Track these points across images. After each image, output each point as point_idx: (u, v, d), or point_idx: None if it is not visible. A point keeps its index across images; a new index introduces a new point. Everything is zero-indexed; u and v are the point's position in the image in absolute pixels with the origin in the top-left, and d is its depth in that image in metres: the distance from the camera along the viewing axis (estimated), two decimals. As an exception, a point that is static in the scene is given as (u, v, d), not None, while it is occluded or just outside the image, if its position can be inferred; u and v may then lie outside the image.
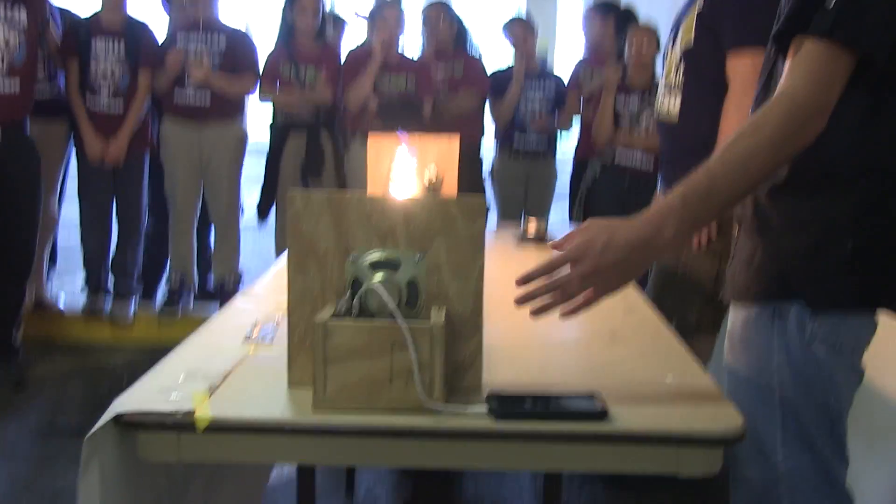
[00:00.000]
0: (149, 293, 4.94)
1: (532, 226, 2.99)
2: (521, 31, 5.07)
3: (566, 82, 5.24)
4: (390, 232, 1.41)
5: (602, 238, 1.36)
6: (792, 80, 1.38)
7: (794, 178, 1.48)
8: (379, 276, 1.39)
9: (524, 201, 5.05)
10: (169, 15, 4.72)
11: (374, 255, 1.41)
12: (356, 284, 1.39)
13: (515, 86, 4.95)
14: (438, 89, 4.73)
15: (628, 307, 2.06)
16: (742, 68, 2.63)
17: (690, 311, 2.91)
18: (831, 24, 1.34)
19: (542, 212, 5.02)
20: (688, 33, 2.86)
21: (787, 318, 1.50)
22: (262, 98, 4.61)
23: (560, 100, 5.15)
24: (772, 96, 1.42)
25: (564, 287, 1.37)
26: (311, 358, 1.33)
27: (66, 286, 5.36)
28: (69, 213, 4.78)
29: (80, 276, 4.84)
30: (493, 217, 5.22)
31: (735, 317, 1.62)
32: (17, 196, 3.88)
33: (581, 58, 5.36)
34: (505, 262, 2.62)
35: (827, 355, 1.48)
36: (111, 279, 4.69)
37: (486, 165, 5.15)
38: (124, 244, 4.63)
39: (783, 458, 1.54)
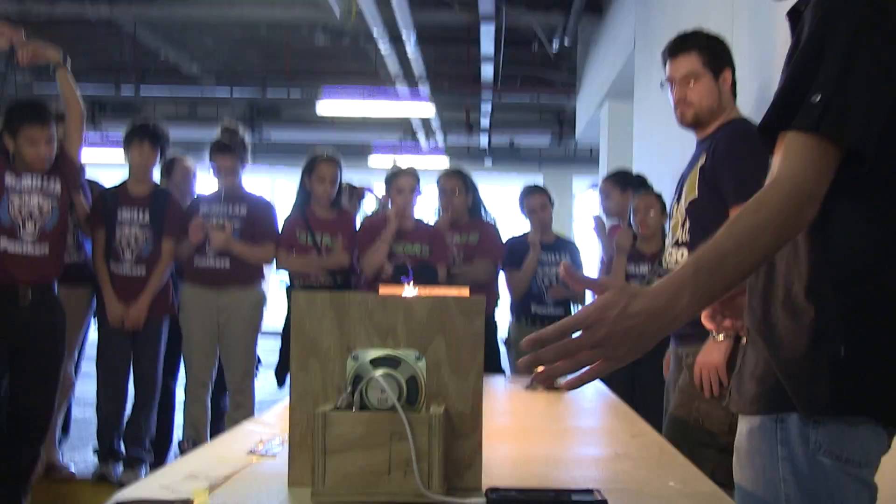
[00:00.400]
0: (160, 459, 4.90)
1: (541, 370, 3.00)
2: (537, 201, 5.22)
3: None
4: (391, 330, 1.45)
5: (619, 305, 1.29)
6: (788, 166, 1.38)
7: (793, 286, 1.49)
8: (380, 372, 1.41)
9: None
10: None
11: (375, 353, 1.44)
12: (357, 381, 1.42)
13: (532, 256, 5.05)
14: (453, 256, 4.84)
15: (635, 431, 2.06)
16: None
17: (705, 462, 2.87)
18: (817, 119, 1.36)
19: (557, 377, 5.00)
20: (691, 188, 2.98)
21: (789, 428, 1.47)
22: (279, 266, 4.72)
23: (580, 267, 5.26)
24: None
25: (575, 352, 1.29)
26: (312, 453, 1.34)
27: (76, 456, 5.32)
28: (80, 388, 4.80)
29: (89, 447, 4.81)
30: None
31: (741, 429, 1.60)
32: (41, 357, 3.95)
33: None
34: (514, 403, 2.62)
35: (833, 467, 1.43)
36: (122, 446, 4.67)
37: (500, 331, 5.18)
38: (138, 411, 4.64)
39: None
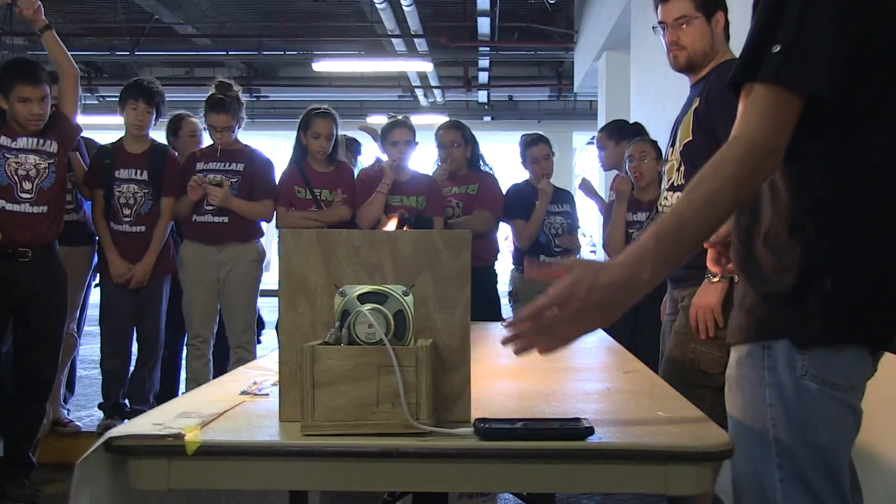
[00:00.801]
0: (165, 415, 4.94)
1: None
2: (540, 150, 5.21)
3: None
4: (378, 266, 1.46)
5: (586, 281, 1.40)
6: (746, 123, 1.42)
7: (775, 224, 1.52)
8: (367, 307, 1.42)
9: None
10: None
11: (363, 289, 1.45)
12: (345, 316, 1.43)
13: (542, 204, 5.03)
14: (452, 207, 4.83)
15: (627, 368, 2.08)
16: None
17: (701, 403, 2.89)
18: (776, 68, 1.40)
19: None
20: (686, 131, 2.97)
21: (776, 354, 1.50)
22: (279, 224, 4.71)
23: (576, 219, 5.26)
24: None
25: (551, 329, 1.41)
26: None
27: (82, 414, 5.38)
28: (84, 348, 4.82)
29: (95, 405, 4.85)
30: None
31: (731, 359, 1.63)
32: (43, 315, 3.97)
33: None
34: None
35: (819, 392, 1.47)
36: (127, 401, 4.71)
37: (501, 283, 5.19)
38: (142, 366, 4.67)
39: (782, 499, 1.50)
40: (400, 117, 4.81)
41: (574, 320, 1.40)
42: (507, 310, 5.32)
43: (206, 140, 4.94)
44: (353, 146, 5.46)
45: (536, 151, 5.23)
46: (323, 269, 1.46)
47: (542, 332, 1.41)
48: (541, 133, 5.52)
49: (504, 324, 1.44)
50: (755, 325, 1.55)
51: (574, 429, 1.34)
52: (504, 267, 5.31)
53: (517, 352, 1.43)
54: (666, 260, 1.42)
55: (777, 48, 1.40)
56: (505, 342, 1.42)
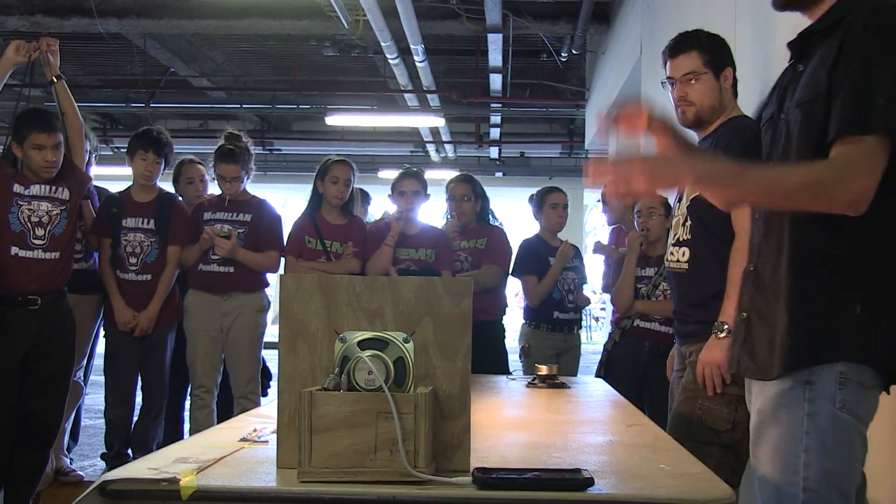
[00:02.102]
0: (168, 466, 4.89)
1: (543, 369, 3.00)
2: (559, 198, 5.23)
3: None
4: (379, 312, 1.45)
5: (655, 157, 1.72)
6: (857, 166, 1.58)
7: (809, 264, 1.70)
8: (367, 353, 1.42)
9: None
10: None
11: (363, 335, 1.44)
12: (345, 363, 1.42)
13: (558, 266, 5.03)
14: (460, 261, 4.82)
15: (631, 422, 2.05)
16: (747, 216, 2.71)
17: (708, 460, 2.86)
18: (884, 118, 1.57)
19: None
20: (692, 188, 2.97)
21: (817, 389, 1.66)
22: (288, 273, 4.70)
23: (584, 274, 5.26)
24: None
25: (631, 168, 1.63)
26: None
27: (85, 464, 5.34)
28: (89, 398, 4.79)
29: (98, 454, 4.82)
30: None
31: (767, 393, 1.75)
32: (51, 362, 3.96)
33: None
34: (515, 398, 2.62)
35: (850, 423, 1.65)
36: (130, 451, 4.68)
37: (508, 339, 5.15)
38: (146, 416, 4.64)
39: None
40: (411, 168, 4.82)
41: (650, 165, 1.63)
42: (515, 365, 5.28)
43: (211, 188, 4.97)
44: (364, 197, 5.47)
45: (555, 198, 5.24)
46: (324, 314, 1.45)
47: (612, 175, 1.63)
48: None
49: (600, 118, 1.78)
50: (790, 357, 1.69)
51: (574, 479, 1.32)
52: (512, 322, 5.29)
53: (593, 185, 1.76)
54: (710, 182, 1.68)
55: (881, 101, 1.57)
56: (588, 173, 1.66)
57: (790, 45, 1.84)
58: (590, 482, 1.31)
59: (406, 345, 1.44)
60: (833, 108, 1.64)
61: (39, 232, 3.92)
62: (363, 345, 1.43)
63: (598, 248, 5.41)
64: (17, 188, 3.92)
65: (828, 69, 1.66)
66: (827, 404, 1.65)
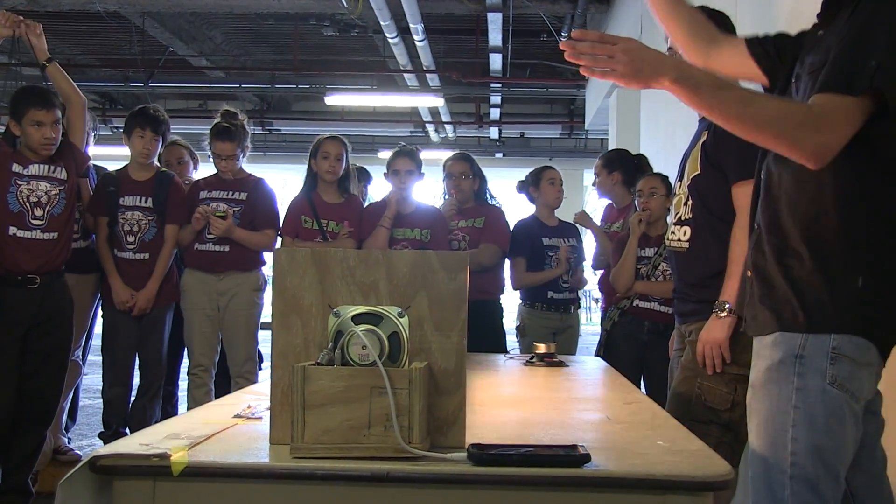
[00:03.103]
0: (166, 445, 4.89)
1: (541, 347, 2.99)
2: (555, 174, 5.20)
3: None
4: (373, 286, 1.43)
5: (637, 45, 1.72)
6: (833, 116, 1.58)
7: (814, 231, 1.68)
8: (361, 328, 1.40)
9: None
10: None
11: (357, 310, 1.42)
12: (339, 337, 1.40)
13: (551, 274, 5.00)
14: (458, 240, 4.79)
15: (629, 399, 2.04)
16: (748, 195, 2.68)
17: (707, 439, 2.84)
18: (871, 80, 1.56)
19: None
20: (694, 165, 2.95)
21: (807, 363, 1.65)
22: (285, 254, 4.67)
23: (582, 253, 5.23)
24: None
25: (601, 51, 1.69)
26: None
27: (83, 443, 5.34)
28: (87, 378, 4.77)
29: (96, 434, 4.81)
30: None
31: (759, 366, 1.75)
32: (49, 341, 3.95)
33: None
34: (513, 377, 2.60)
35: (841, 399, 1.63)
36: (128, 430, 4.67)
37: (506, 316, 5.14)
38: (143, 395, 4.63)
39: (789, 496, 1.63)
40: (405, 146, 4.78)
41: (619, 54, 1.67)
42: (514, 345, 5.26)
43: (197, 168, 4.95)
44: (363, 176, 5.43)
45: (551, 174, 5.21)
46: (317, 288, 1.43)
47: (594, 52, 1.69)
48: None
49: (573, 34, 1.73)
50: (785, 317, 1.68)
51: (570, 456, 1.30)
52: (510, 301, 5.26)
53: (569, 56, 1.70)
54: (691, 84, 1.66)
55: (874, 63, 1.56)
56: (567, 48, 1.70)
57: (822, 8, 1.84)
58: (586, 458, 1.29)
59: (401, 319, 1.42)
60: (825, 65, 1.64)
61: (38, 212, 3.90)
62: (357, 319, 1.41)
63: (580, 218, 5.34)
64: (15, 168, 3.89)
65: (838, 36, 1.66)
66: (817, 379, 1.64)
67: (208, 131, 4.70)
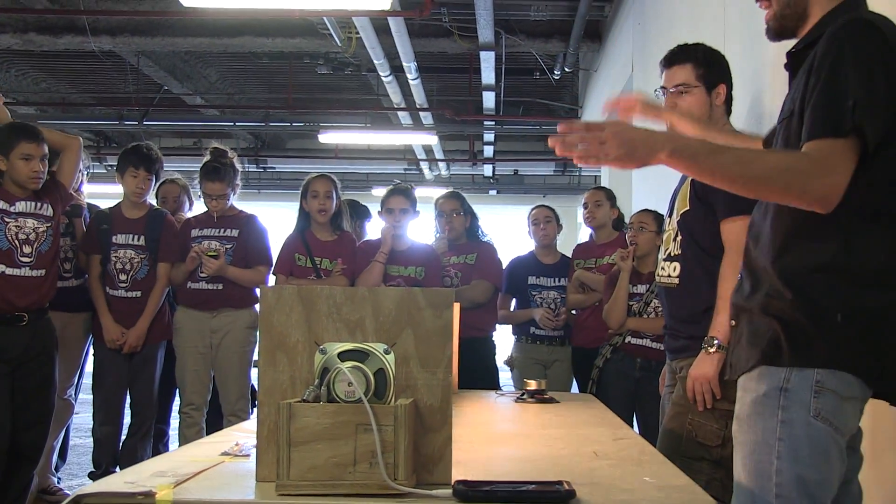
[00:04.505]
0: (157, 484, 4.85)
1: (532, 384, 2.99)
2: (542, 212, 5.22)
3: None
4: (359, 323, 1.44)
5: (628, 126, 1.73)
6: (832, 163, 1.60)
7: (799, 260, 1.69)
8: (347, 365, 1.40)
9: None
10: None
11: (344, 346, 1.43)
12: (325, 374, 1.41)
13: (537, 317, 5.02)
14: (450, 277, 4.80)
15: (618, 436, 2.04)
16: (737, 231, 2.69)
17: (698, 475, 2.83)
18: (854, 122, 1.59)
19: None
20: (683, 201, 2.96)
21: (792, 396, 1.66)
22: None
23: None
24: None
25: (590, 140, 1.69)
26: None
27: (73, 483, 5.30)
28: (78, 417, 4.75)
29: (87, 473, 4.78)
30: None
31: (745, 399, 1.76)
32: (35, 378, 3.94)
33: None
34: (504, 413, 2.60)
35: (825, 433, 1.64)
36: (118, 469, 4.65)
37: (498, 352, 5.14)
38: (134, 434, 4.61)
39: None
40: (399, 184, 4.81)
41: (606, 142, 1.67)
42: (507, 382, 5.25)
43: (192, 206, 4.97)
44: (362, 213, 5.45)
45: (535, 214, 5.26)
46: (304, 326, 1.44)
47: (584, 141, 1.68)
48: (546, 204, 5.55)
49: (560, 127, 1.72)
50: (766, 353, 1.70)
51: (555, 492, 1.30)
52: (503, 337, 5.26)
53: (560, 152, 1.70)
54: (687, 155, 1.67)
55: (850, 103, 1.59)
56: (554, 141, 1.70)
57: (786, 66, 1.87)
58: (571, 495, 1.29)
59: (387, 356, 1.42)
60: (805, 115, 1.66)
61: (27, 249, 3.91)
62: (343, 356, 1.42)
63: (580, 276, 5.34)
64: (2, 205, 3.90)
65: (803, 84, 1.69)
66: (801, 412, 1.65)
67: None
